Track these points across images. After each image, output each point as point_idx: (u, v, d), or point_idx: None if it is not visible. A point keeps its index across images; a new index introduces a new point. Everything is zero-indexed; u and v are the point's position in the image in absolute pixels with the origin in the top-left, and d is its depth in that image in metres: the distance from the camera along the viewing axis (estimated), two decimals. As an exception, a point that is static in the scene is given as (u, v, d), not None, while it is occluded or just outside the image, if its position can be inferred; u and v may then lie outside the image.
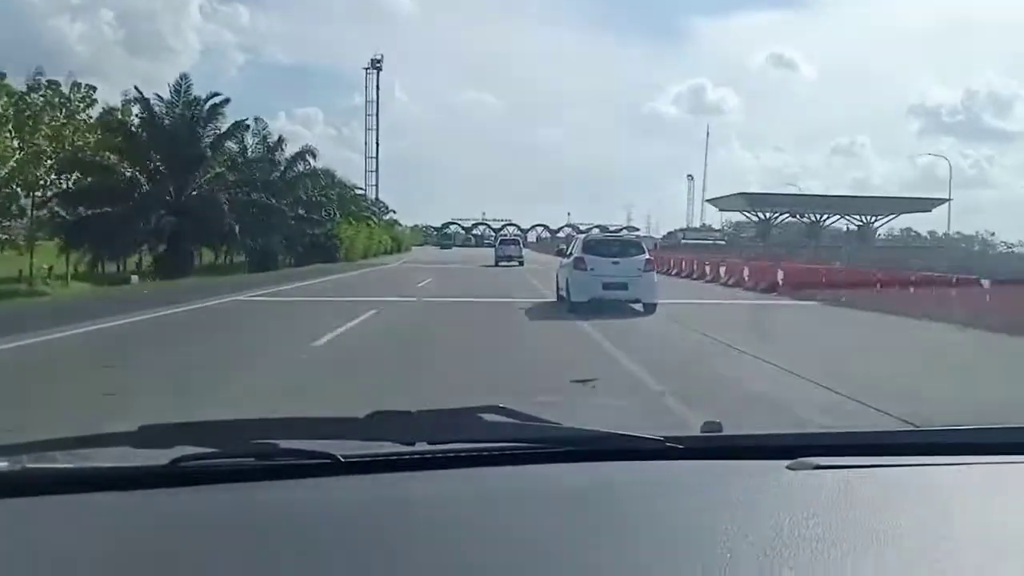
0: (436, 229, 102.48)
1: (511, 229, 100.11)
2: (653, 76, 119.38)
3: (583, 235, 14.76)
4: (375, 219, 46.47)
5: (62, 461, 0.96)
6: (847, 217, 54.83)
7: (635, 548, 0.73)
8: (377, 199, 56.88)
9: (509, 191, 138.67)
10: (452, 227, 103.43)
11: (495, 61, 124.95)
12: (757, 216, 54.59)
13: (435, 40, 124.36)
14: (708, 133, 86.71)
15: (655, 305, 10.00)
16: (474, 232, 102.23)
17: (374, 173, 61.02)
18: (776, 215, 55.65)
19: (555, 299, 11.58)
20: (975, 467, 0.98)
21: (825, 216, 55.74)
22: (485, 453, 0.97)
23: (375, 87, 64.67)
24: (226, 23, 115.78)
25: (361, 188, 47.76)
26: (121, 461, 0.93)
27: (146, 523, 0.82)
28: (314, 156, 28.06)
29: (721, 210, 59.51)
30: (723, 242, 56.30)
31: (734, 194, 59.05)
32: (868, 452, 1.01)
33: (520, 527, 0.80)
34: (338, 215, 32.30)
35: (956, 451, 1.01)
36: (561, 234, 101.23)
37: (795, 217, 54.88)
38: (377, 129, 64.24)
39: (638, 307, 10.06)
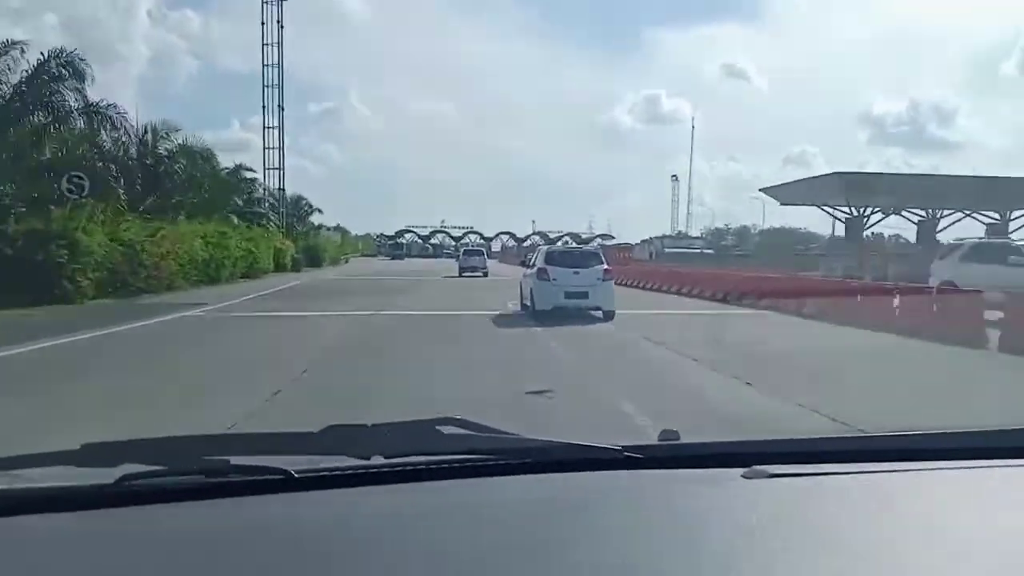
0: (389, 238, 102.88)
1: (473, 237, 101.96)
2: (611, 86, 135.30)
3: (545, 247, 16.82)
4: (273, 219, 37.65)
5: (1, 482, 0.98)
6: (976, 214, 37.80)
7: (595, 559, 0.79)
8: (282, 190, 43.80)
9: (469, 199, 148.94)
10: (407, 235, 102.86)
11: (453, 70, 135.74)
12: (850, 211, 37.48)
13: (393, 49, 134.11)
14: (694, 127, 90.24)
15: (613, 312, 12.13)
16: (432, 241, 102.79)
17: (278, 152, 43.15)
18: (869, 211, 37.76)
19: (520, 310, 13.68)
20: (927, 473, 1.09)
21: (939, 212, 37.99)
22: (443, 466, 1.06)
23: (276, 22, 41.91)
24: (175, 29, 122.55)
25: (251, 171, 36.87)
26: (63, 481, 0.97)
27: (90, 545, 0.87)
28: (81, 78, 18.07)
29: (783, 203, 46.47)
30: (710, 251, 57.78)
31: (825, 175, 38.07)
32: (822, 459, 1.12)
33: (479, 540, 0.88)
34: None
35: (909, 457, 1.12)
36: (528, 242, 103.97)
37: (898, 214, 38.65)
38: (282, 89, 43.41)
39: (598, 314, 12.26)
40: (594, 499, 0.99)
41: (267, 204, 39.59)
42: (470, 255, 34.14)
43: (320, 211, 54.09)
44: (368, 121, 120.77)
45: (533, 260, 14.15)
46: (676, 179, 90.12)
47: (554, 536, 0.88)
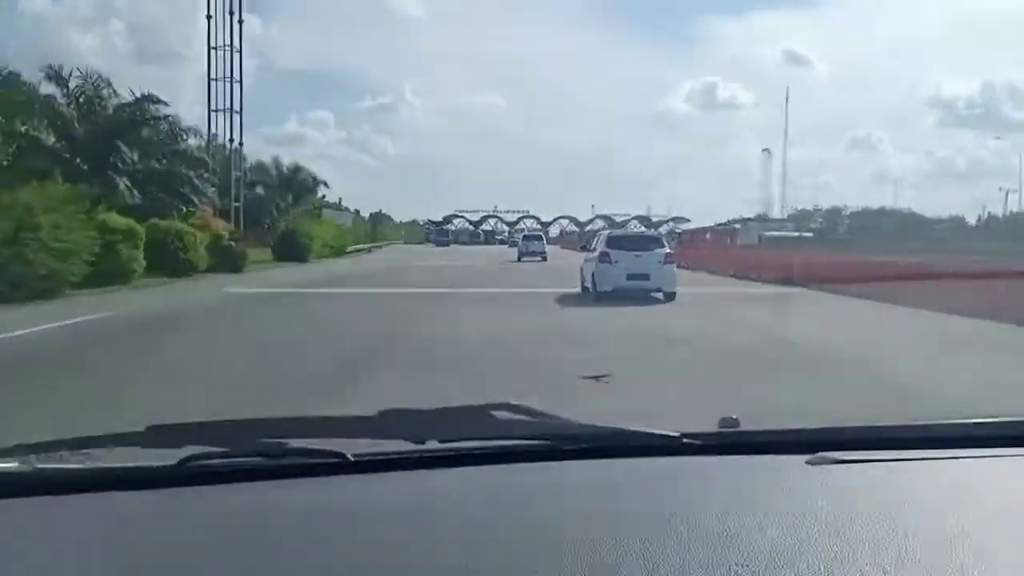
0: (435, 224, 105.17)
1: (529, 222, 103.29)
2: (668, 74, 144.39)
3: (607, 231, 18.57)
4: (202, 185, 26.74)
5: (71, 461, 1.14)
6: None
7: (651, 545, 0.83)
8: (235, 146, 33.79)
9: (524, 186, 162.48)
10: (457, 220, 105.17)
11: (507, 62, 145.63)
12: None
13: (447, 43, 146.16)
14: (787, 98, 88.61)
15: (674, 294, 13.96)
16: (483, 227, 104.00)
17: (235, 116, 33.52)
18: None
19: (579, 290, 15.68)
20: (998, 460, 1.14)
21: None
22: (496, 451, 1.16)
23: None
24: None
25: (161, 103, 25.83)
26: (130, 461, 1.13)
27: (155, 523, 0.99)
28: None
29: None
30: (809, 234, 57.00)
31: None
32: (889, 446, 1.18)
33: (533, 525, 0.95)
34: None
35: (979, 444, 1.19)
36: (590, 227, 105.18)
37: None
38: (241, 32, 34.11)
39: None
40: (651, 484, 1.08)
41: (204, 168, 27.89)
42: (529, 240, 38.12)
43: (326, 184, 49.63)
44: (421, 114, 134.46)
45: (595, 244, 16.13)
46: (768, 152, 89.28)
47: (609, 522, 0.94)
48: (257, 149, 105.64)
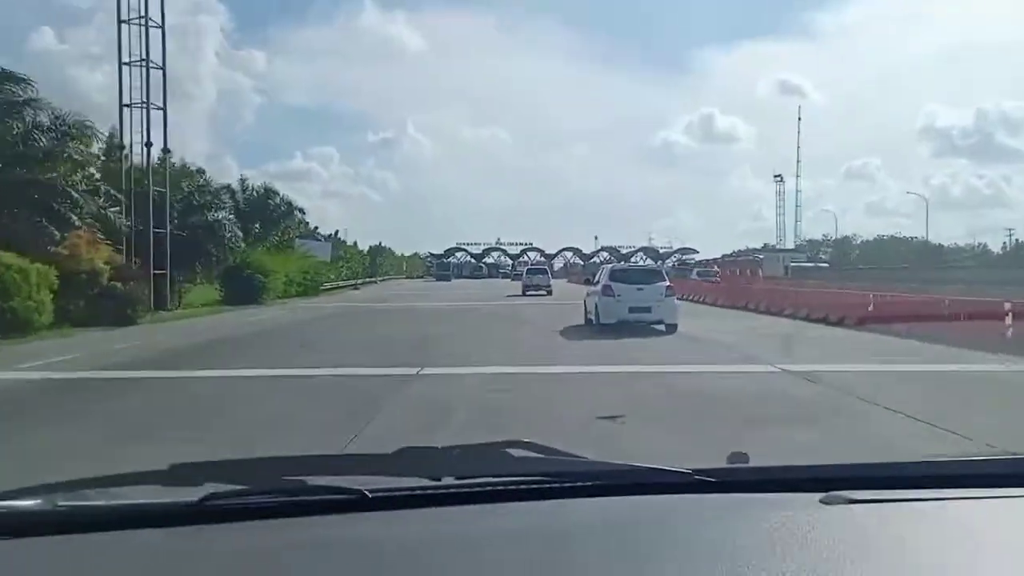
0: (437, 257, 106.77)
1: (532, 255, 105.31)
2: (665, 106, 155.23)
3: (610, 265, 20.08)
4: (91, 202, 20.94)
5: (94, 499, 1.23)
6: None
7: None
8: (145, 145, 25.74)
9: (526, 219, 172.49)
10: (459, 254, 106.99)
11: (507, 97, 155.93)
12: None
13: (448, 79, 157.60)
14: (800, 118, 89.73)
15: (676, 326, 15.22)
16: (486, 260, 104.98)
17: (150, 110, 25.76)
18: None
19: (583, 322, 17.02)
20: (1012, 500, 1.19)
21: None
22: (512, 488, 1.23)
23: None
24: (241, 67, 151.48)
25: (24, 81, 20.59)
26: (151, 498, 1.20)
27: (177, 560, 1.05)
28: None
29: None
30: (825, 264, 57.14)
31: None
32: (904, 484, 1.24)
33: (548, 563, 1.01)
34: None
35: (995, 483, 1.24)
36: (596, 259, 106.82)
37: None
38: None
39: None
40: (664, 523, 1.13)
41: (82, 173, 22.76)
42: (533, 273, 39.49)
43: (302, 211, 45.93)
44: (424, 148, 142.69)
45: (598, 278, 17.54)
46: (780, 180, 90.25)
47: (624, 560, 1.00)
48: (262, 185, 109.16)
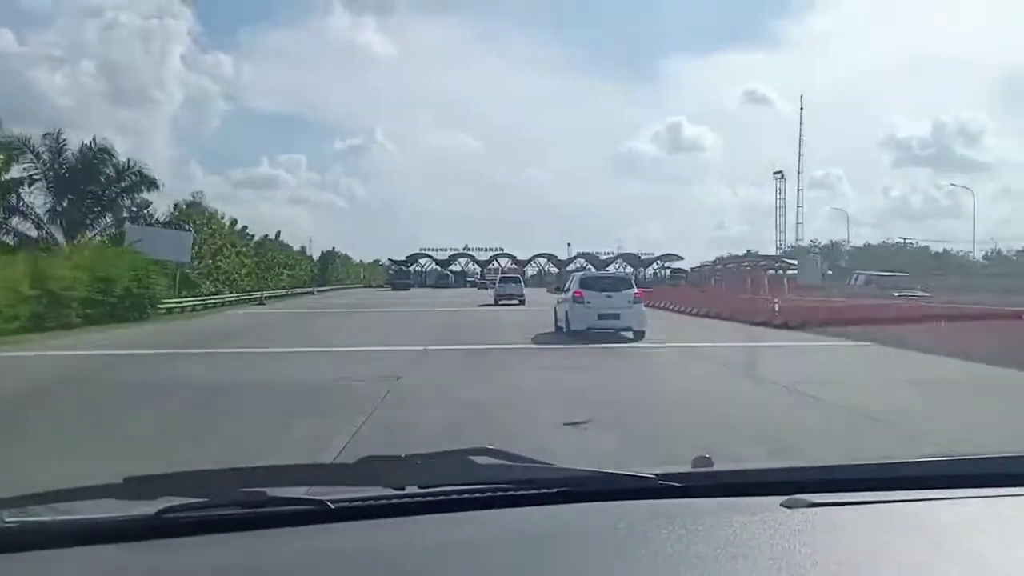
0: (397, 264, 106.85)
1: (504, 262, 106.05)
2: (632, 115, 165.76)
3: (580, 272, 21.80)
4: None
5: (44, 515, 1.27)
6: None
7: None
8: None
9: (495, 226, 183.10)
10: (423, 261, 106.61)
11: (476, 105, 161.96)
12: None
13: (417, 85, 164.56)
14: (802, 108, 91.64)
15: (644, 332, 16.89)
16: (452, 268, 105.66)
17: None
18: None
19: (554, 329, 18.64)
20: (974, 500, 1.31)
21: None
22: (476, 496, 1.32)
23: None
24: (208, 72, 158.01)
25: None
26: (105, 512, 1.25)
27: None
28: None
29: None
30: (903, 274, 53.69)
31: None
32: (864, 487, 1.38)
33: (514, 570, 1.09)
34: None
35: (953, 484, 1.38)
36: (572, 266, 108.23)
37: None
38: None
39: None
40: (629, 528, 1.22)
41: None
42: (506, 282, 41.04)
43: (155, 184, 35.24)
44: (393, 155, 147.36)
45: (568, 285, 19.21)
46: (782, 176, 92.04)
47: (588, 566, 1.09)
48: (226, 192, 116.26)
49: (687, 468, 1.53)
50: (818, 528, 1.25)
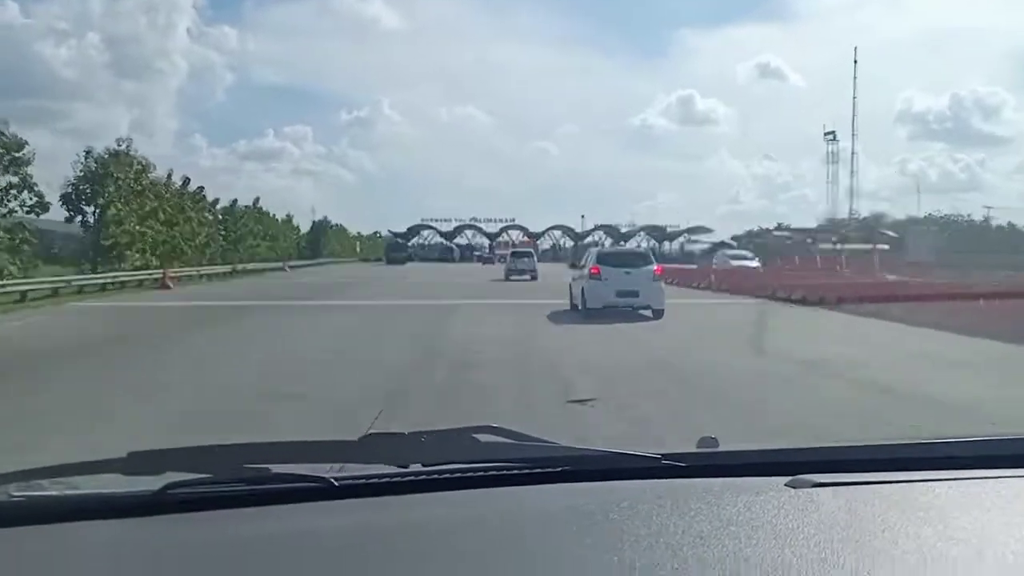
0: (397, 236, 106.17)
1: (515, 234, 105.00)
2: (644, 89, 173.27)
3: (596, 247, 22.13)
4: None
5: (50, 489, 1.38)
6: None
7: (634, 568, 1.03)
8: None
9: (504, 200, 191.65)
10: (425, 232, 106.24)
11: (484, 77, 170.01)
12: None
13: (425, 58, 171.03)
14: (856, 61, 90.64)
15: (662, 311, 17.33)
16: (457, 241, 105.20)
17: None
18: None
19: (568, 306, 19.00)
20: (978, 482, 1.41)
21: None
22: (480, 474, 1.43)
23: None
24: (213, 44, 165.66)
25: None
26: (110, 488, 1.35)
27: (137, 551, 1.20)
28: None
29: None
30: None
31: None
32: (869, 467, 1.48)
33: (517, 548, 1.18)
34: None
35: (959, 465, 1.48)
36: (589, 238, 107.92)
37: None
38: None
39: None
40: (635, 508, 1.30)
41: None
42: (518, 257, 42.69)
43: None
44: (399, 128, 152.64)
45: (584, 261, 19.56)
46: (833, 138, 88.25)
47: (593, 544, 1.18)
48: (233, 164, 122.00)
49: (692, 449, 1.64)
50: (822, 507, 1.32)
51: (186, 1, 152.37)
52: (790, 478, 1.41)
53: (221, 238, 50.09)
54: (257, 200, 65.89)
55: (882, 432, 6.54)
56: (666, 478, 1.46)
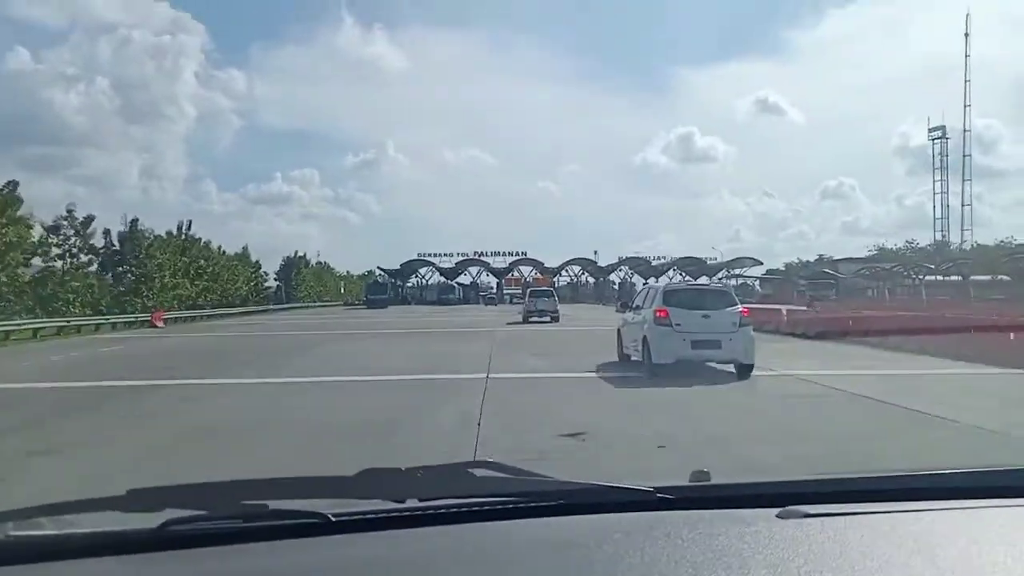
0: (386, 274, 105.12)
1: (527, 270, 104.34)
2: (645, 127, 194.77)
3: (662, 284, 19.65)
4: None
5: (48, 528, 1.53)
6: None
7: None
8: None
9: (508, 240, 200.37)
10: (423, 269, 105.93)
11: (486, 118, 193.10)
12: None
13: (429, 100, 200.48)
14: (968, 32, 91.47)
15: (751, 367, 15.08)
16: (460, 280, 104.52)
17: None
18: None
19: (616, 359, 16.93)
20: (965, 512, 1.60)
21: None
22: (476, 508, 1.61)
23: None
24: (221, 89, 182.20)
25: None
26: (109, 526, 1.50)
27: None
28: None
29: None
30: None
31: None
32: (858, 499, 1.68)
33: None
34: None
35: (947, 496, 1.69)
36: (616, 275, 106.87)
37: None
38: None
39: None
40: (627, 540, 1.47)
41: None
42: (538, 296, 44.52)
43: None
44: (405, 169, 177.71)
45: (639, 300, 17.65)
46: (942, 136, 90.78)
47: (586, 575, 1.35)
48: (242, 208, 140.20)
49: (684, 482, 1.81)
50: (813, 538, 1.47)
51: (193, 44, 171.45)
52: (781, 509, 1.58)
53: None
54: (185, 225, 61.75)
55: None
56: (660, 511, 1.62)
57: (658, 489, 1.66)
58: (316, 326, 41.05)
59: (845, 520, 1.56)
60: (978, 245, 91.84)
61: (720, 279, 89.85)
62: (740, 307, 16.15)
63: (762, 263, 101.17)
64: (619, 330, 18.50)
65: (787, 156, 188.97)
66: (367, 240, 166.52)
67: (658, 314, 15.63)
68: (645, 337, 15.86)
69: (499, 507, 1.63)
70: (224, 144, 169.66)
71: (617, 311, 22.50)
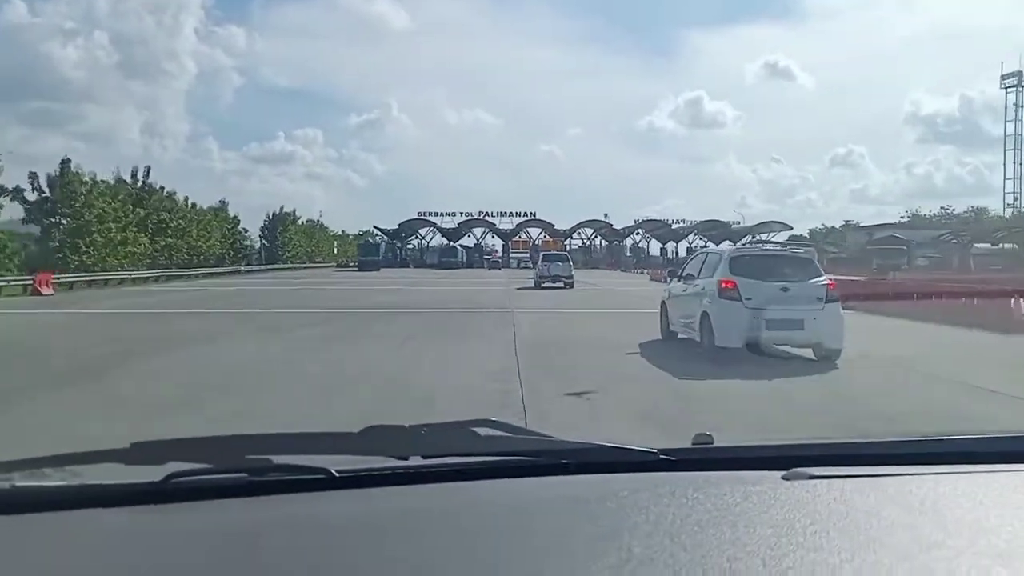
0: (384, 233, 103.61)
1: (536, 232, 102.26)
2: (652, 90, 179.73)
3: (728, 249, 17.25)
4: None
5: (53, 478, 1.59)
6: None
7: (631, 560, 1.22)
8: None
9: (514, 200, 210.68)
10: (423, 230, 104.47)
11: (491, 79, 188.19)
12: None
13: (433, 60, 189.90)
14: None
15: (839, 352, 12.72)
16: (463, 242, 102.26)
17: None
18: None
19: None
20: (971, 476, 1.67)
21: None
22: (478, 466, 1.67)
23: None
24: (221, 46, 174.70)
25: None
26: (113, 478, 1.56)
27: (139, 540, 1.40)
28: None
29: None
30: None
31: None
32: (863, 462, 1.74)
33: (514, 540, 1.37)
34: None
35: (952, 460, 1.75)
36: (632, 240, 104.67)
37: None
38: None
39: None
40: (629, 500, 1.48)
41: None
42: (551, 261, 44.31)
43: None
44: (408, 131, 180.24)
45: (691, 268, 15.23)
46: (1018, 83, 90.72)
47: (589, 537, 1.33)
48: (244, 167, 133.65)
49: (688, 444, 1.87)
50: (818, 499, 1.52)
51: (193, 1, 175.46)
52: (786, 472, 1.62)
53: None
54: (146, 172, 57.47)
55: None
56: (663, 471, 1.68)
57: (661, 451, 1.71)
58: (224, 298, 32.45)
59: (851, 482, 1.59)
60: (1021, 212, 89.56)
61: (748, 243, 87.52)
62: (826, 278, 13.52)
63: (791, 228, 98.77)
64: (663, 302, 16.13)
65: (796, 122, 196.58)
66: (370, 201, 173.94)
67: (723, 285, 13.16)
68: (705, 313, 13.35)
69: (502, 465, 1.67)
70: (225, 102, 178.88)
71: (661, 281, 20.07)
